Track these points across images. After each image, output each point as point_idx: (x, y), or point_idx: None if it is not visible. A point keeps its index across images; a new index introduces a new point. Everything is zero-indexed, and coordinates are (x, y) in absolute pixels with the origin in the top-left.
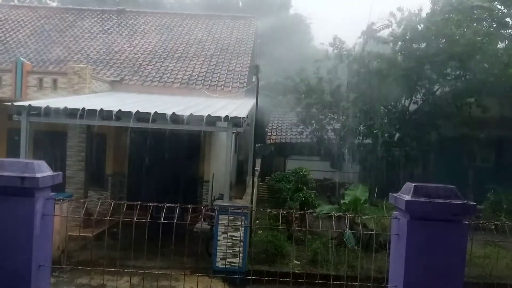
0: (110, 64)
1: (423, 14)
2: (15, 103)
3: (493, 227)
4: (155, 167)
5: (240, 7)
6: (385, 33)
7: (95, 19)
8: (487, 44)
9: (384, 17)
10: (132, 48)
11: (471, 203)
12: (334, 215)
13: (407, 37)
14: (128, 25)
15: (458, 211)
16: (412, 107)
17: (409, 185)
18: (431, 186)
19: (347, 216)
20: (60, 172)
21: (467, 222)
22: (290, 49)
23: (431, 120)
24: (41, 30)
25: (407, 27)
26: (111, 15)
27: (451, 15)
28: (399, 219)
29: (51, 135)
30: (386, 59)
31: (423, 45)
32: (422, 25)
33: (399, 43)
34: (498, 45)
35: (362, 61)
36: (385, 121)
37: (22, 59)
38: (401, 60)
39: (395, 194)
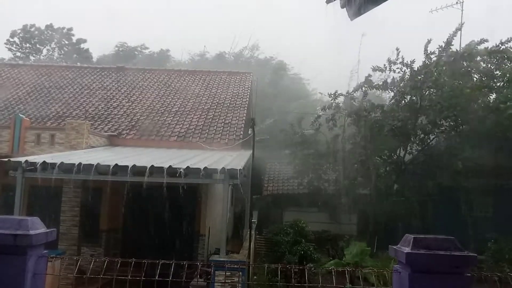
0: (108, 119)
1: (415, 66)
2: (11, 159)
3: (496, 278)
4: (151, 221)
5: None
6: (380, 85)
7: (95, 76)
8: (478, 95)
9: (380, 67)
10: (130, 104)
11: (471, 254)
12: (334, 270)
13: (401, 88)
14: (127, 81)
15: (459, 263)
16: (408, 157)
17: (408, 237)
18: (431, 237)
19: (347, 270)
20: (54, 229)
21: (469, 274)
22: (286, 104)
23: (427, 170)
24: (41, 87)
25: (401, 78)
26: (110, 72)
27: (443, 67)
28: (400, 272)
29: (46, 190)
30: (382, 109)
31: (417, 95)
32: (417, 76)
33: (394, 93)
34: (490, 96)
35: (359, 112)
36: (382, 171)
37: (21, 115)
38: (397, 110)
39: (394, 247)
